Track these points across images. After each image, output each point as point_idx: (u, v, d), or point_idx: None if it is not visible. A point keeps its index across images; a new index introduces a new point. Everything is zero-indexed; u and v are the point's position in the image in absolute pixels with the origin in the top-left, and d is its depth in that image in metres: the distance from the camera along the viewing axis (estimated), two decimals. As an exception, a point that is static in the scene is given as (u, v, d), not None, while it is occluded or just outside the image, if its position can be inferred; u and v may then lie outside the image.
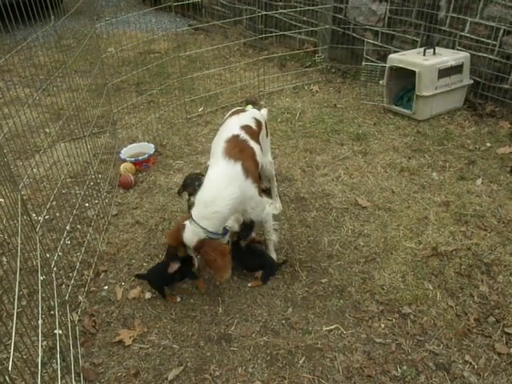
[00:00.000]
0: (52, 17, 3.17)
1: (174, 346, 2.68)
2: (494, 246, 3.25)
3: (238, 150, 2.90)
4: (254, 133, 3.13)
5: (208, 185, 2.74)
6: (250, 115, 3.28)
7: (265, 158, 3.33)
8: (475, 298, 2.88)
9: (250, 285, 3.05)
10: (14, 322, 1.77)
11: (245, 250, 3.08)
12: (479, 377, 2.43)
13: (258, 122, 3.27)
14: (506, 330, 2.66)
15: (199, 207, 2.69)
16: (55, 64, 3.84)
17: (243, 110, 3.39)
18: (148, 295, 3.01)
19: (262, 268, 3.07)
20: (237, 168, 2.77)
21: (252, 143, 3.03)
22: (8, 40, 4.39)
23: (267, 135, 3.47)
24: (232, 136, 2.97)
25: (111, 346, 2.70)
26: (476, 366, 2.48)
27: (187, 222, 2.70)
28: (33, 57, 4.81)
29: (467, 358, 2.52)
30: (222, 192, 2.68)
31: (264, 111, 3.72)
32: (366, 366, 2.51)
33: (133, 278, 3.14)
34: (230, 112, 3.43)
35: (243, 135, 3.01)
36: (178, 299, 2.98)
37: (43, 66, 3.94)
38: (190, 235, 2.68)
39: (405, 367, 2.50)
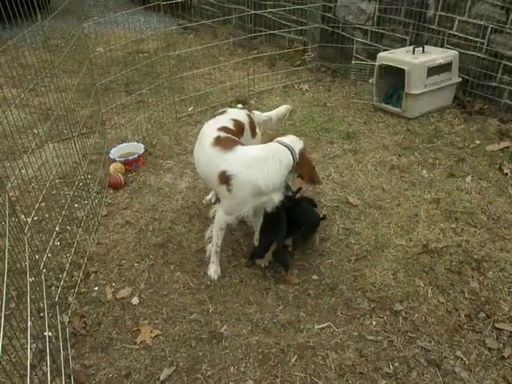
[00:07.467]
0: (39, 16, 3.14)
1: (166, 346, 2.67)
2: (483, 243, 3.28)
3: (227, 141, 2.94)
4: (233, 133, 3.08)
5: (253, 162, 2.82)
6: (227, 117, 3.21)
7: None
8: (466, 294, 2.89)
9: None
10: (2, 324, 1.75)
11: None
12: (470, 372, 2.44)
13: (238, 123, 3.19)
14: (497, 325, 2.68)
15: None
16: (43, 64, 3.80)
17: (221, 113, 3.29)
18: (135, 300, 2.97)
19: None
20: (239, 146, 2.93)
21: (235, 138, 3.04)
22: (-5, 40, 4.36)
23: (253, 136, 3.37)
24: (214, 139, 2.96)
25: (102, 347, 2.68)
26: (467, 362, 2.49)
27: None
28: (20, 57, 4.75)
29: (458, 353, 2.54)
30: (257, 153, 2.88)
31: (258, 113, 3.69)
32: (358, 364, 2.51)
33: (123, 279, 3.12)
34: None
35: (223, 134, 3.00)
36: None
37: (31, 67, 3.90)
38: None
39: (397, 364, 2.51)
